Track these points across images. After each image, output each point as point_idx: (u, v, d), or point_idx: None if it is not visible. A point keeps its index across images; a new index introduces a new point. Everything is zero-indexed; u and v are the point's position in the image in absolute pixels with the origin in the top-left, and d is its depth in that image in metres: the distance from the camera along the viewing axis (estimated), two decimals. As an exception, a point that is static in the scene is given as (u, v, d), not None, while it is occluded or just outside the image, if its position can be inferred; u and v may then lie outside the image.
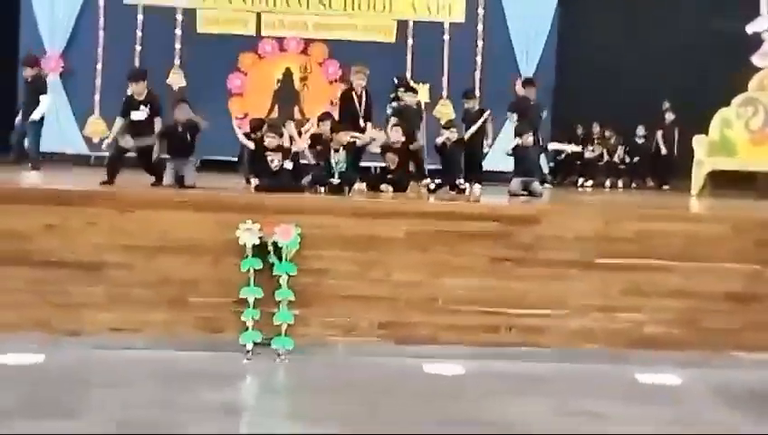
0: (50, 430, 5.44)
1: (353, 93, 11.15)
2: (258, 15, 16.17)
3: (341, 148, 9.77)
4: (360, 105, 11.08)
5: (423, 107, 13.17)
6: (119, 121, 9.72)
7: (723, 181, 12.97)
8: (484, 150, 12.09)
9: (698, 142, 12.64)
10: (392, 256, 7.87)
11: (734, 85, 12.85)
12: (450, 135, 10.72)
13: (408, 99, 11.88)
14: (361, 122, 10.96)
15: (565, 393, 6.77)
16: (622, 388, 7.02)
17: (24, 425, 5.51)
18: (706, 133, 12.75)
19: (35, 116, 11.75)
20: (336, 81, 16.01)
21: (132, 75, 9.85)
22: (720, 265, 7.88)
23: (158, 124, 9.48)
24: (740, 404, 6.69)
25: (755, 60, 12.75)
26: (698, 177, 12.54)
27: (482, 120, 11.34)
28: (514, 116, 13.07)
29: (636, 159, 15.74)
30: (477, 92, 14.55)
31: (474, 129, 11.15)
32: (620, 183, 15.45)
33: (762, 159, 12.28)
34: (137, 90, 9.60)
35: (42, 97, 11.78)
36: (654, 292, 7.82)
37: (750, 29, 12.84)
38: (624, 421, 6.18)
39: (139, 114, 9.48)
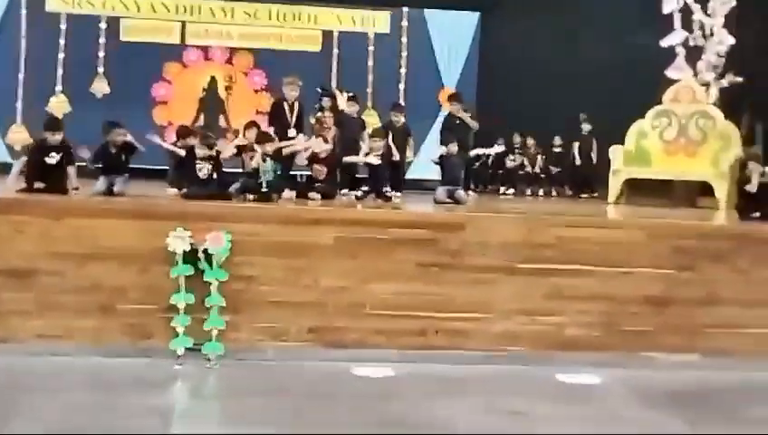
0: (-22, 435, 5.45)
1: (285, 103, 11.27)
2: (183, 24, 16.19)
3: (269, 157, 9.86)
4: (292, 115, 11.20)
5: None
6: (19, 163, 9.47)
7: (639, 190, 13.40)
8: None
9: (614, 152, 13.05)
10: (321, 262, 7.99)
11: (650, 98, 13.29)
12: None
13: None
14: (292, 132, 11.08)
15: (490, 393, 6.97)
16: (544, 388, 7.24)
17: (-48, 432, 5.51)
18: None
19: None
20: (262, 90, 16.12)
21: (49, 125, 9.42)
22: (637, 269, 8.17)
23: (71, 172, 9.30)
24: (655, 402, 6.95)
25: (669, 73, 13.21)
26: (615, 185, 12.94)
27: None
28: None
29: (555, 168, 16.17)
30: (402, 103, 14.84)
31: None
32: (540, 191, 15.87)
33: (675, 168, 12.73)
34: (53, 139, 9.18)
35: None
36: (575, 296, 8.06)
37: (664, 43, 13.30)
38: (545, 418, 6.40)
39: (51, 160, 9.12)
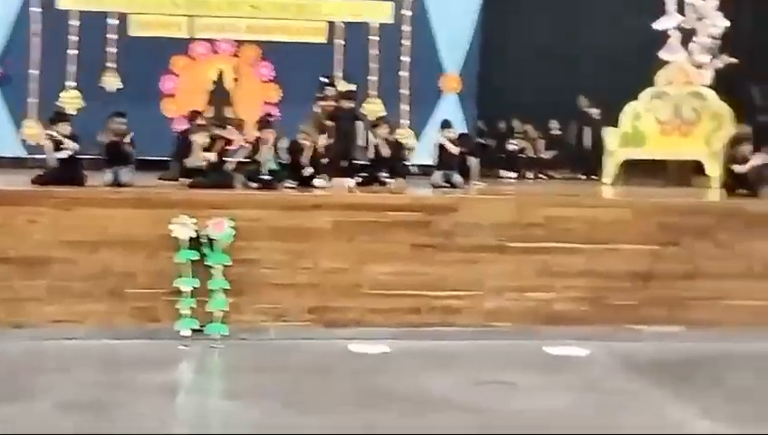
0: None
1: None
2: (190, 18, 16.52)
3: (272, 146, 10.21)
4: None
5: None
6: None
7: (635, 171, 13.66)
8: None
9: (610, 134, 13.30)
10: (320, 245, 8.37)
11: (645, 79, 13.53)
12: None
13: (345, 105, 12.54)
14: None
15: (481, 367, 7.32)
16: (533, 360, 7.59)
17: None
18: (621, 126, 13.45)
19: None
20: (269, 81, 16.44)
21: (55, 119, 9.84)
22: (624, 246, 8.50)
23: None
24: (640, 371, 7.26)
25: (663, 55, 13.45)
26: (611, 166, 13.20)
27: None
28: None
29: (554, 151, 16.44)
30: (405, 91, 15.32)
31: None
32: (542, 175, 16.15)
33: (670, 148, 12.99)
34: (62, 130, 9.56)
35: None
36: (562, 272, 8.42)
37: (657, 26, 13.54)
38: (534, 388, 6.74)
39: (62, 154, 9.46)
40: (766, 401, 6.49)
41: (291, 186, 9.97)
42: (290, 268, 8.31)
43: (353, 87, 13.98)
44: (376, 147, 11.34)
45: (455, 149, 11.33)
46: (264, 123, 10.88)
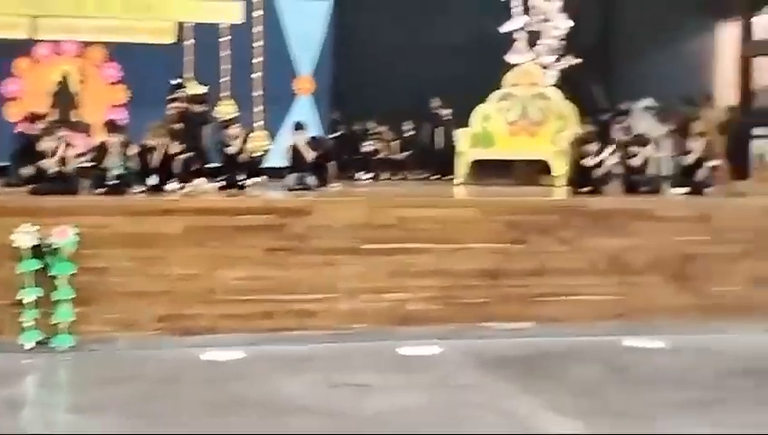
0: None
1: None
2: (33, 19, 15.93)
3: (119, 150, 9.95)
4: None
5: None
6: None
7: (486, 170, 13.95)
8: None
9: (460, 135, 13.55)
10: (171, 251, 8.21)
11: (497, 81, 13.84)
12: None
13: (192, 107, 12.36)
14: None
15: (335, 369, 7.33)
16: (387, 361, 7.66)
17: None
18: (474, 127, 13.71)
19: None
20: (116, 83, 16.04)
21: None
22: (473, 245, 8.67)
23: None
24: (490, 368, 7.42)
25: (509, 58, 13.79)
26: (462, 166, 13.44)
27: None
28: None
29: (409, 152, 16.66)
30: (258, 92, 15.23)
31: None
32: (396, 175, 16.33)
33: (518, 148, 13.31)
34: None
35: None
36: (415, 272, 8.52)
37: (504, 28, 13.88)
38: (388, 388, 6.80)
39: None
40: (611, 394, 6.72)
41: (140, 190, 9.75)
42: (139, 276, 8.12)
43: (204, 89, 13.83)
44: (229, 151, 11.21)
45: (309, 152, 11.30)
46: (110, 126, 10.58)
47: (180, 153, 10.65)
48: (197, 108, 13.31)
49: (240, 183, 10.93)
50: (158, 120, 11.52)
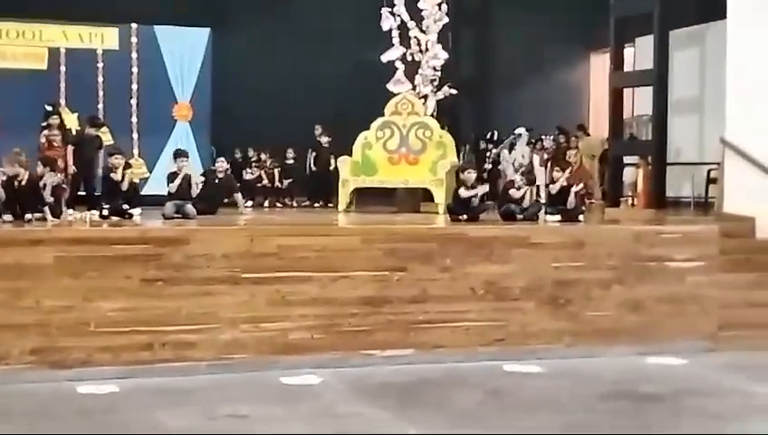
0: None
1: None
2: None
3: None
4: None
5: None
6: None
7: (368, 198, 14.06)
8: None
9: (343, 163, 13.60)
10: (42, 282, 7.95)
11: (376, 110, 13.97)
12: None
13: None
14: None
15: (215, 401, 7.21)
16: (268, 391, 7.59)
17: None
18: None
19: None
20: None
21: None
22: (354, 273, 8.67)
23: None
24: (370, 397, 7.43)
25: (390, 86, 13.94)
26: (344, 194, 13.48)
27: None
28: None
29: (290, 180, 16.65)
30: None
31: None
32: (278, 203, 16.29)
33: (398, 176, 13.43)
34: None
35: None
36: (296, 301, 8.47)
37: (384, 58, 14.03)
38: (268, 419, 6.74)
39: None
40: (488, 420, 6.81)
41: (8, 220, 9.44)
42: (9, 308, 7.83)
43: (98, 115, 13.71)
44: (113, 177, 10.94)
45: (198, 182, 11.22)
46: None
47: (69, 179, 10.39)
48: (92, 131, 13.12)
49: (126, 212, 10.61)
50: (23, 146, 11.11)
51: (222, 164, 13.45)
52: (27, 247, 8.03)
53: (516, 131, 17.27)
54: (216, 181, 13.03)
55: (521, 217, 10.60)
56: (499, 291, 8.99)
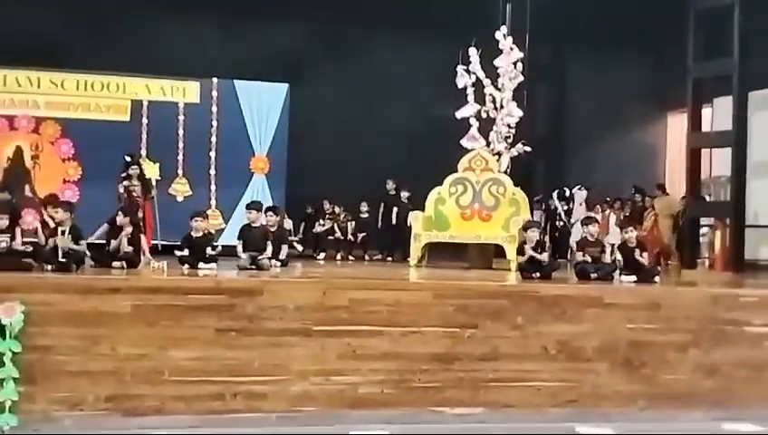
0: None
1: None
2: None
3: (67, 228, 9.84)
4: None
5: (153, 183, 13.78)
6: None
7: (440, 253, 14.05)
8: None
9: (415, 218, 13.65)
10: (118, 330, 8.08)
11: (449, 166, 14.03)
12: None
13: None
14: None
15: (285, 454, 7.27)
16: (337, 445, 7.61)
17: None
18: (428, 210, 13.82)
19: None
20: (69, 159, 16.00)
21: None
22: (425, 328, 8.64)
23: None
24: (441, 453, 7.42)
25: (464, 142, 14.00)
26: (416, 249, 13.49)
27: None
28: None
29: (364, 233, 16.73)
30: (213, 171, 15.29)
31: None
32: (351, 257, 16.37)
33: (471, 232, 13.42)
34: None
35: None
36: (367, 355, 8.45)
37: (459, 115, 14.11)
38: (337, 475, 6.76)
39: None
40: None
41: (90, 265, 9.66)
42: (85, 354, 7.97)
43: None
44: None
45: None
46: (61, 203, 10.50)
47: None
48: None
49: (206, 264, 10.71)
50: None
51: (271, 217, 12.95)
52: (105, 295, 8.19)
53: (577, 189, 17.27)
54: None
55: (595, 275, 10.47)
56: (572, 351, 8.86)
